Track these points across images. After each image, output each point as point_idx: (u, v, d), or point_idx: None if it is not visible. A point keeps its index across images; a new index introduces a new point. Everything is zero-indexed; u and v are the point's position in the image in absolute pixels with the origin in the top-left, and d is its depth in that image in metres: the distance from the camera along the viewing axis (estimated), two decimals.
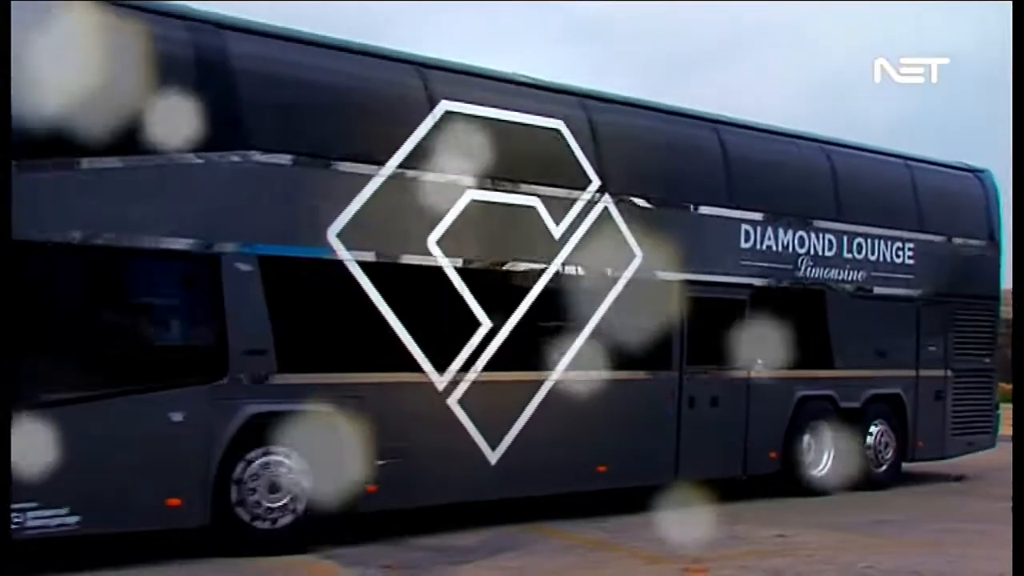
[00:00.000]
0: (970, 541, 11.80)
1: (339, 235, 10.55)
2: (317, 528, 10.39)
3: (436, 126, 11.35)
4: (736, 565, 10.17)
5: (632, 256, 12.86)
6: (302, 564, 9.92)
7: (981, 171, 17.90)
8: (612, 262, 12.73)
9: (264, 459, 10.08)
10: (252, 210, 10.11)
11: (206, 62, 10.01)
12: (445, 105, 11.45)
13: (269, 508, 10.07)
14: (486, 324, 11.54)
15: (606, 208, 12.65)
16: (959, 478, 17.29)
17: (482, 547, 10.82)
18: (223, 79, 10.07)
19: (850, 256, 15.53)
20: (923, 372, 16.46)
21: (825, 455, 15.20)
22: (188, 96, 9.63)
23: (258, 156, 10.08)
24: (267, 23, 10.71)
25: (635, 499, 12.59)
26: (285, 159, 10.27)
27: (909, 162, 16.93)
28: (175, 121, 9.53)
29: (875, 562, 10.44)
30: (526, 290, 11.94)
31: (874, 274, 15.83)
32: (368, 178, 10.77)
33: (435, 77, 11.62)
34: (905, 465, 16.52)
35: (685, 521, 11.58)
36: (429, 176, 11.25)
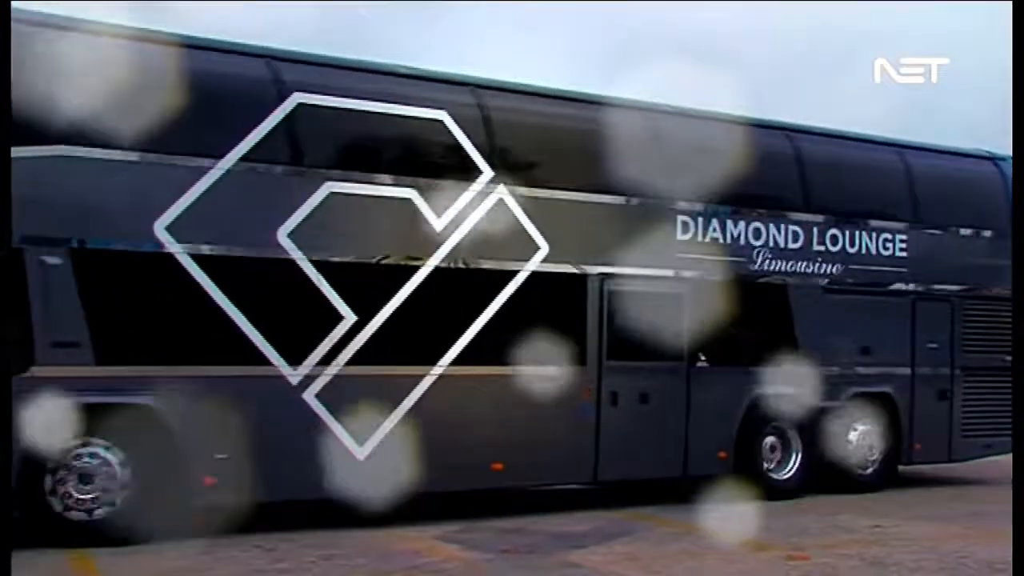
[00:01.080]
0: None
1: (169, 228, 10.49)
2: (144, 520, 10.28)
3: (287, 118, 11.22)
4: (836, 553, 10.49)
5: (536, 248, 12.44)
6: (429, 546, 10.44)
7: (1002, 158, 16.59)
8: (510, 254, 12.35)
9: (75, 451, 10.06)
10: (63, 204, 10.08)
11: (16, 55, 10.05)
12: (298, 97, 11.32)
13: (80, 499, 10.05)
14: (350, 318, 11.29)
15: (501, 199, 12.30)
16: None
17: (594, 533, 11.35)
18: (33, 73, 10.08)
19: (821, 248, 14.69)
20: (922, 370, 15.43)
21: (793, 456, 14.35)
22: None
23: (67, 150, 10.10)
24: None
25: (734, 489, 12.97)
26: (101, 153, 10.27)
27: (903, 149, 15.97)
28: None
29: (971, 552, 10.60)
30: (400, 283, 11.66)
31: (853, 267, 14.93)
32: (204, 171, 10.71)
33: (287, 69, 11.50)
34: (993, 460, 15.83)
35: (783, 511, 12.75)
36: (279, 169, 11.16)
